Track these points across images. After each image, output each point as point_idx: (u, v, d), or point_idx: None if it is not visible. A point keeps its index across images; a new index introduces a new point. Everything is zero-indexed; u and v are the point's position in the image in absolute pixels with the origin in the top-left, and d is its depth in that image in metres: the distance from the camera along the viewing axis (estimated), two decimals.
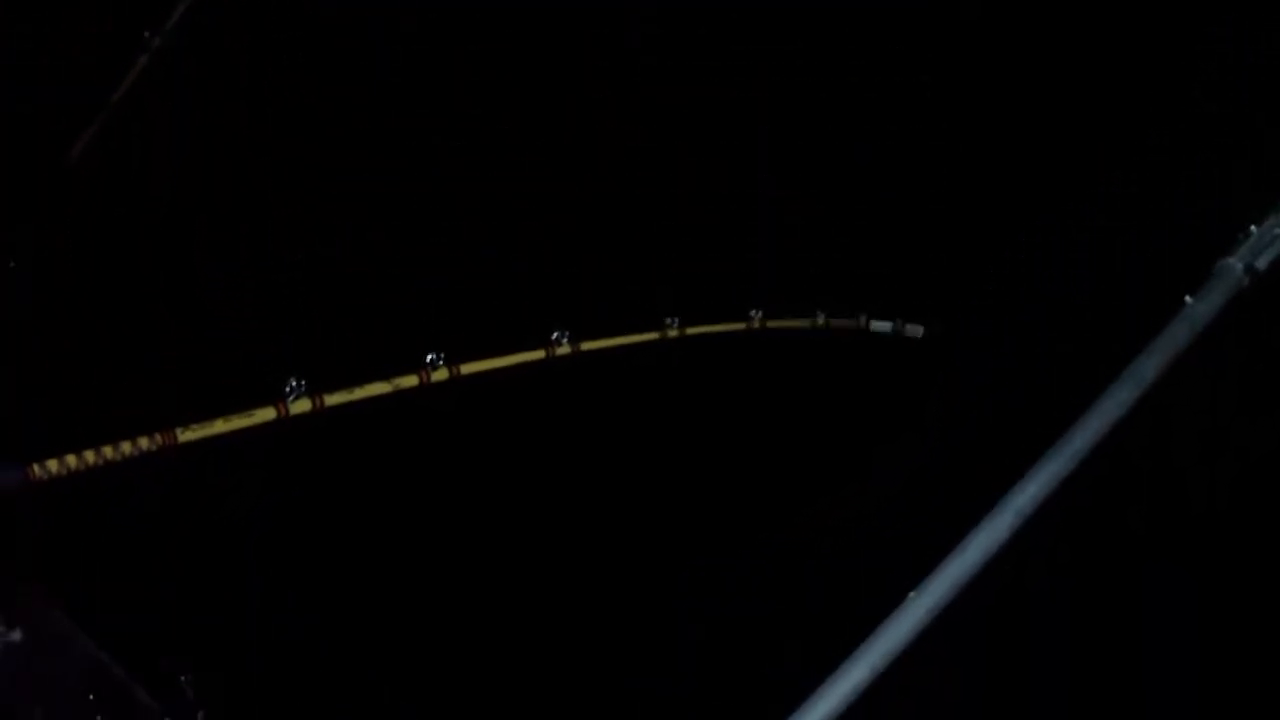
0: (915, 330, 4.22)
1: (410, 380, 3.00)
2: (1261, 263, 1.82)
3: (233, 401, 2.69)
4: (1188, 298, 1.78)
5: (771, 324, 3.79)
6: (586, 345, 3.33)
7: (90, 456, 2.48)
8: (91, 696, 2.47)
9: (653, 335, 3.56)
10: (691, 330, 3.62)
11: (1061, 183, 3.77)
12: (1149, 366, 1.70)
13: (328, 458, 3.37)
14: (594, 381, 3.52)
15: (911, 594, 1.54)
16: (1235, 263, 1.82)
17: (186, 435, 2.62)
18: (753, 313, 3.78)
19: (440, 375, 3.03)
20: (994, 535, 1.56)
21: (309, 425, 2.79)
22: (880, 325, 4.20)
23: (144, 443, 2.55)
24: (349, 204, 4.05)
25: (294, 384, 2.80)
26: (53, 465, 2.40)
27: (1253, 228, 1.86)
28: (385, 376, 2.94)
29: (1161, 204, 3.40)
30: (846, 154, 4.34)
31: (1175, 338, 1.74)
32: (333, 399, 2.85)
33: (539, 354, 3.30)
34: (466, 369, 3.09)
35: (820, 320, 3.96)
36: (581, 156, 4.30)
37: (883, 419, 4.01)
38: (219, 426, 2.67)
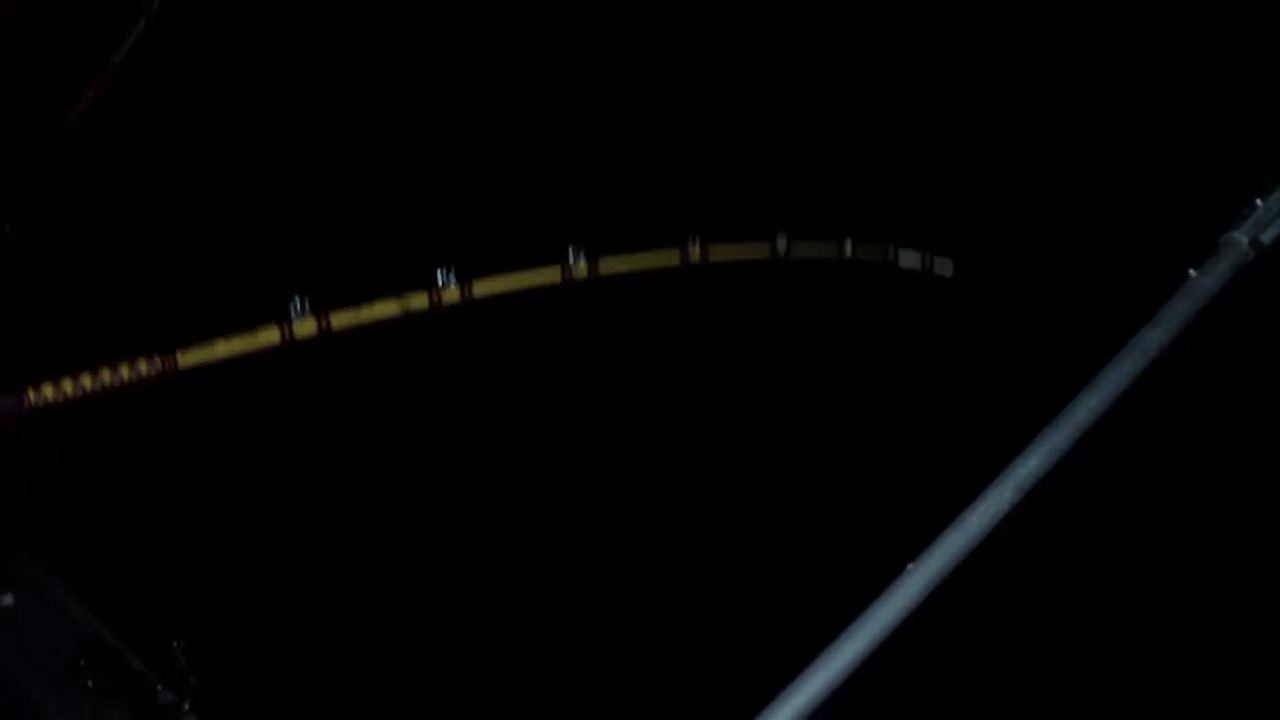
0: (945, 266, 4.00)
1: (420, 300, 2.88)
2: (1267, 237, 1.80)
3: (234, 323, 2.61)
4: (1192, 271, 1.76)
5: (795, 253, 3.64)
6: (603, 266, 3.20)
7: (88, 381, 2.43)
8: (84, 663, 2.46)
9: (673, 256, 3.39)
10: (713, 254, 3.49)
11: (1069, 155, 3.74)
12: (1153, 339, 1.69)
13: (334, 384, 3.26)
14: (610, 307, 3.42)
15: (910, 565, 1.53)
16: (1240, 236, 1.80)
17: (187, 359, 2.55)
18: (777, 238, 3.62)
19: (451, 295, 2.91)
20: (994, 507, 1.54)
21: (316, 349, 2.69)
22: (909, 258, 3.95)
23: (143, 367, 2.50)
24: (353, 120, 3.96)
25: (298, 304, 2.70)
26: (49, 391, 2.35)
27: (1258, 202, 1.85)
28: (394, 295, 2.82)
29: (1168, 177, 3.38)
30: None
31: (1179, 311, 1.72)
32: (339, 319, 2.74)
33: (554, 274, 3.13)
34: (479, 289, 2.96)
35: (847, 250, 3.79)
36: (599, 66, 4.17)
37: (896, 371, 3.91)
38: (220, 350, 2.60)
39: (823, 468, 3.68)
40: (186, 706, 2.25)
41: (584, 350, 3.72)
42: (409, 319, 2.89)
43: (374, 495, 3.39)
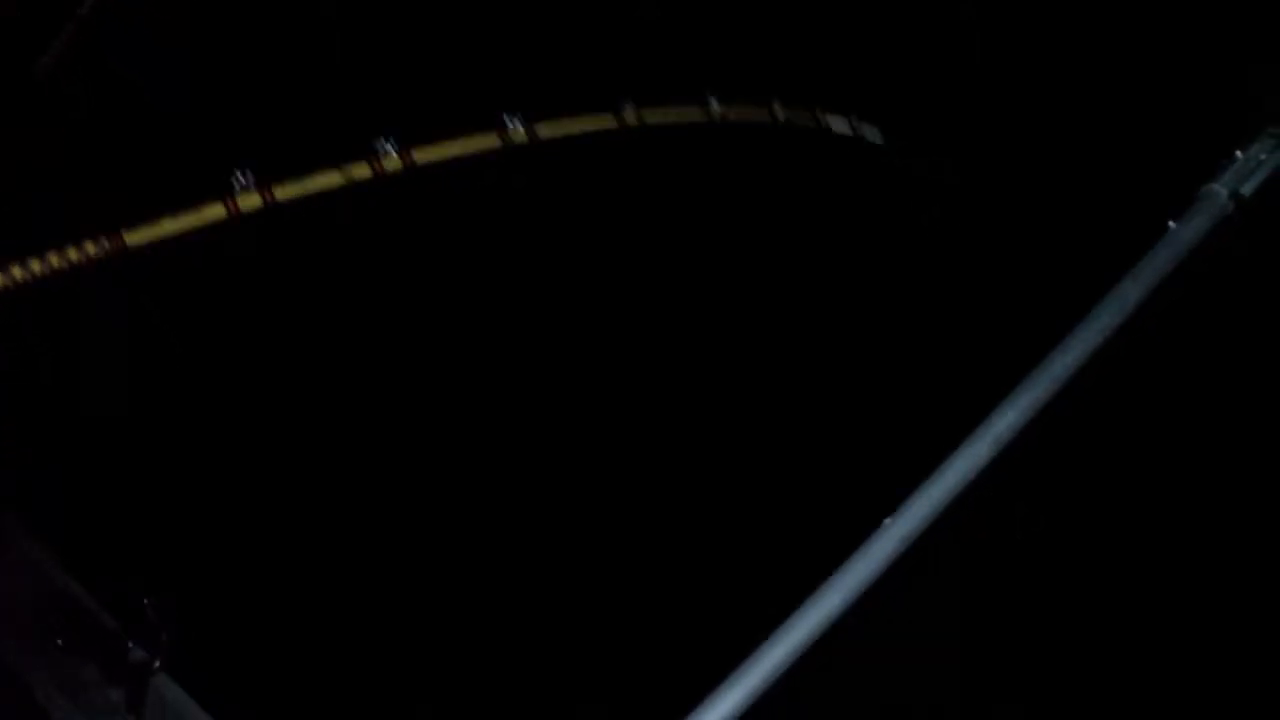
0: (873, 134, 3.98)
1: (363, 169, 2.88)
2: (1247, 189, 1.79)
3: (180, 200, 2.57)
4: (1171, 223, 1.75)
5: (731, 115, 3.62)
6: (542, 131, 3.21)
7: (36, 266, 2.39)
8: (53, 619, 2.45)
9: (609, 121, 3.37)
10: (649, 117, 3.46)
11: (1045, 107, 3.71)
12: (1131, 292, 1.68)
13: (282, 259, 3.25)
14: (548, 172, 3.42)
15: (887, 520, 1.52)
16: (1220, 188, 1.79)
17: (133, 237, 2.52)
18: (711, 101, 3.55)
19: (393, 163, 2.91)
20: (971, 462, 1.54)
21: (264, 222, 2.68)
22: (838, 123, 3.91)
23: (90, 248, 2.46)
24: None
25: (242, 177, 2.68)
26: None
27: (1238, 153, 1.84)
28: (336, 165, 2.82)
29: (1148, 127, 3.37)
30: None
31: (1158, 262, 1.71)
32: (283, 192, 2.73)
33: (492, 139, 3.14)
34: (419, 156, 2.96)
35: (779, 114, 3.76)
36: None
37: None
38: (166, 227, 2.57)
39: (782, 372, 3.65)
40: (158, 665, 2.23)
41: (523, 216, 3.70)
42: (352, 189, 2.89)
43: (337, 397, 3.36)
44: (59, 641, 2.38)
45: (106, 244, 2.48)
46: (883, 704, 2.86)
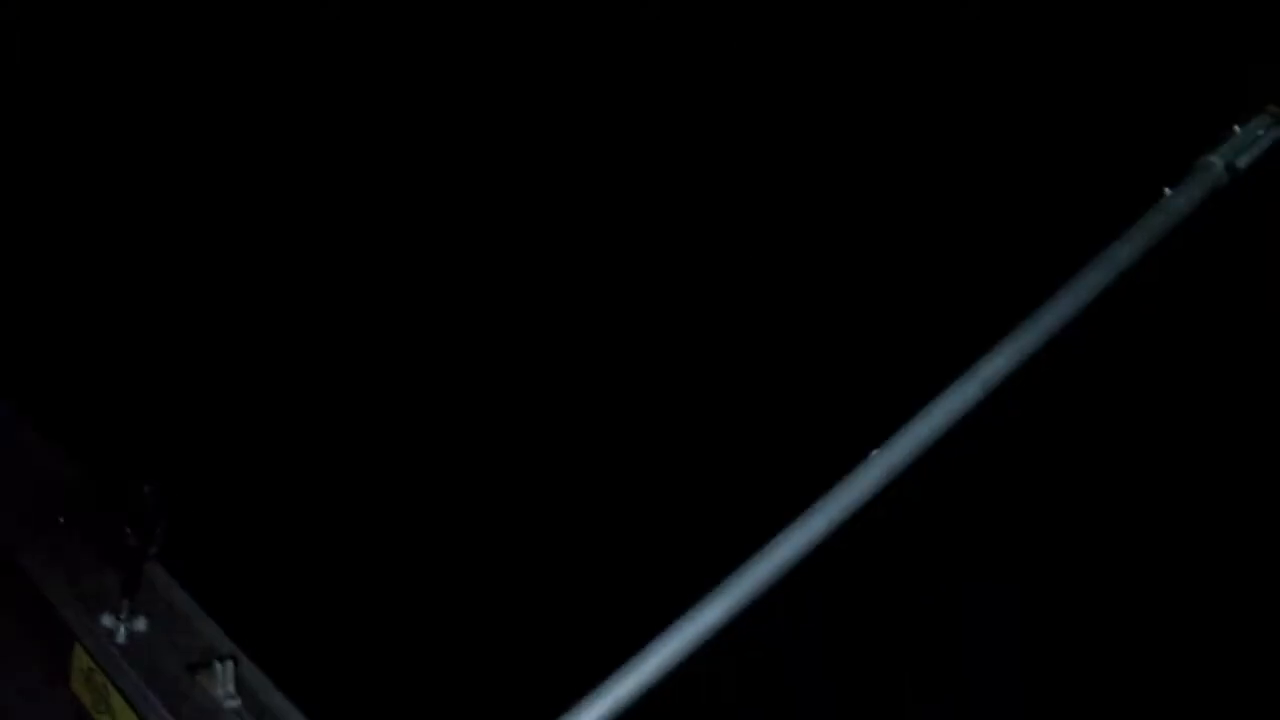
0: None
1: None
2: (1242, 162, 1.85)
3: None
4: (1167, 190, 1.81)
5: None
6: None
7: None
8: (52, 502, 2.50)
9: None
10: None
11: (1046, 67, 3.74)
12: (1123, 253, 1.74)
13: None
14: None
15: (874, 451, 1.59)
16: (1216, 160, 1.85)
17: None
18: None
19: None
20: (959, 403, 1.60)
21: None
22: None
23: None
24: None
25: None
26: None
27: (1236, 128, 1.89)
28: None
29: (1148, 97, 3.41)
30: None
31: (1151, 228, 1.77)
32: None
33: None
34: None
35: None
36: None
37: None
38: None
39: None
40: (154, 551, 2.28)
41: None
42: None
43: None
44: (60, 520, 2.44)
45: None
46: (866, 625, 2.95)
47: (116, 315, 3.28)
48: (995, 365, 1.62)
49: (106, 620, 2.27)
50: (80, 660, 2.25)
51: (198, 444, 3.02)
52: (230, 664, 2.19)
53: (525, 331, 3.72)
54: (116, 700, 2.22)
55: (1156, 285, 1.86)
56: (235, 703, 2.18)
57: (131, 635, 2.28)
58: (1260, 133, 1.88)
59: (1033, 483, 3.19)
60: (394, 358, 3.63)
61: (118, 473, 2.45)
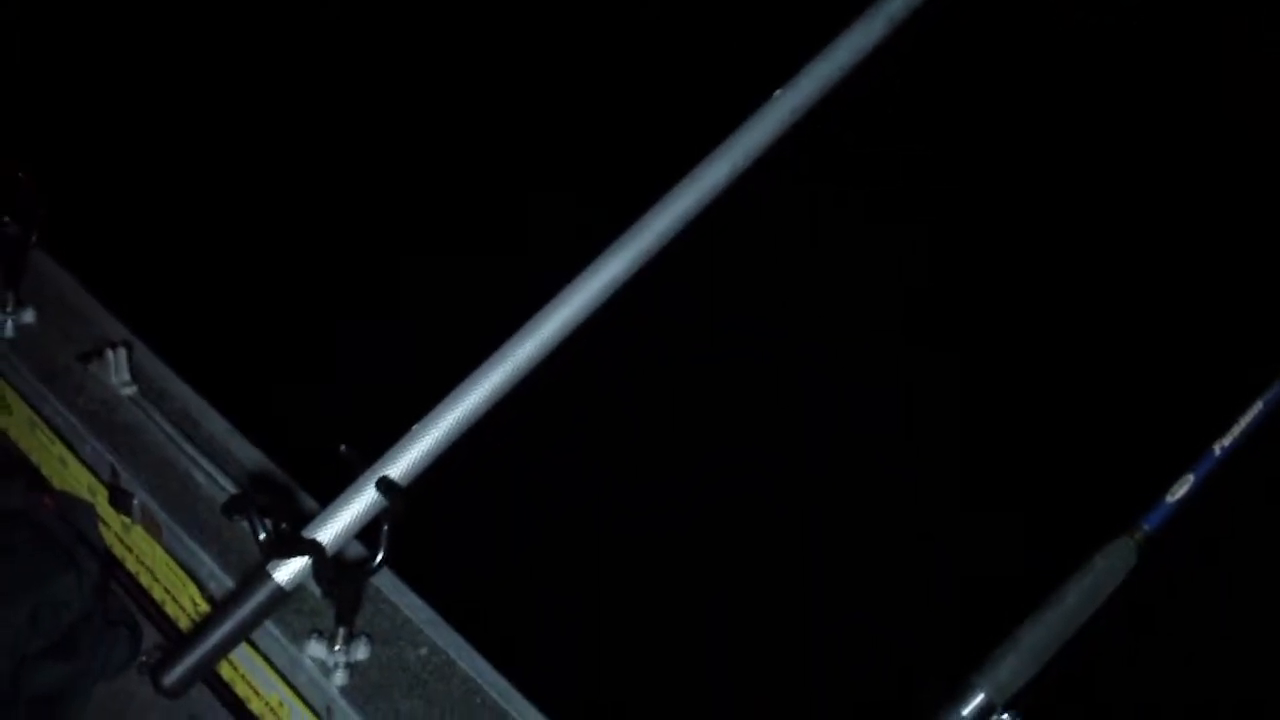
0: None
1: None
2: None
3: None
4: None
5: None
6: None
7: None
8: None
9: None
10: None
11: None
12: None
13: None
14: None
15: (778, 92, 1.57)
16: None
17: None
18: None
19: None
20: (864, 40, 1.58)
21: None
22: None
23: None
24: None
25: None
26: None
27: None
28: None
29: None
30: None
31: None
32: None
33: None
34: None
35: None
36: None
37: None
38: None
39: None
40: (34, 239, 2.20)
41: None
42: None
43: None
44: None
45: None
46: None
47: None
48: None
49: None
50: None
51: (74, 126, 2.88)
52: (124, 351, 2.15)
53: None
54: (10, 395, 2.19)
55: None
56: (132, 390, 2.14)
57: (20, 328, 2.23)
58: None
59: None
60: None
61: None
